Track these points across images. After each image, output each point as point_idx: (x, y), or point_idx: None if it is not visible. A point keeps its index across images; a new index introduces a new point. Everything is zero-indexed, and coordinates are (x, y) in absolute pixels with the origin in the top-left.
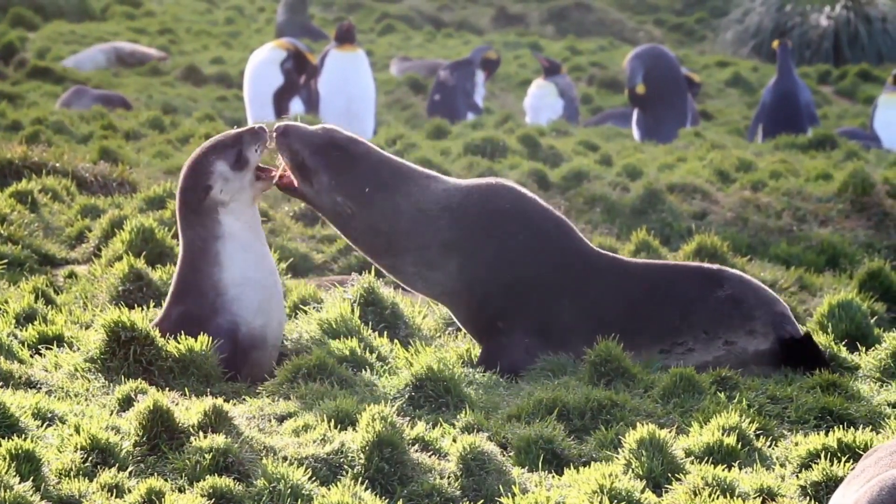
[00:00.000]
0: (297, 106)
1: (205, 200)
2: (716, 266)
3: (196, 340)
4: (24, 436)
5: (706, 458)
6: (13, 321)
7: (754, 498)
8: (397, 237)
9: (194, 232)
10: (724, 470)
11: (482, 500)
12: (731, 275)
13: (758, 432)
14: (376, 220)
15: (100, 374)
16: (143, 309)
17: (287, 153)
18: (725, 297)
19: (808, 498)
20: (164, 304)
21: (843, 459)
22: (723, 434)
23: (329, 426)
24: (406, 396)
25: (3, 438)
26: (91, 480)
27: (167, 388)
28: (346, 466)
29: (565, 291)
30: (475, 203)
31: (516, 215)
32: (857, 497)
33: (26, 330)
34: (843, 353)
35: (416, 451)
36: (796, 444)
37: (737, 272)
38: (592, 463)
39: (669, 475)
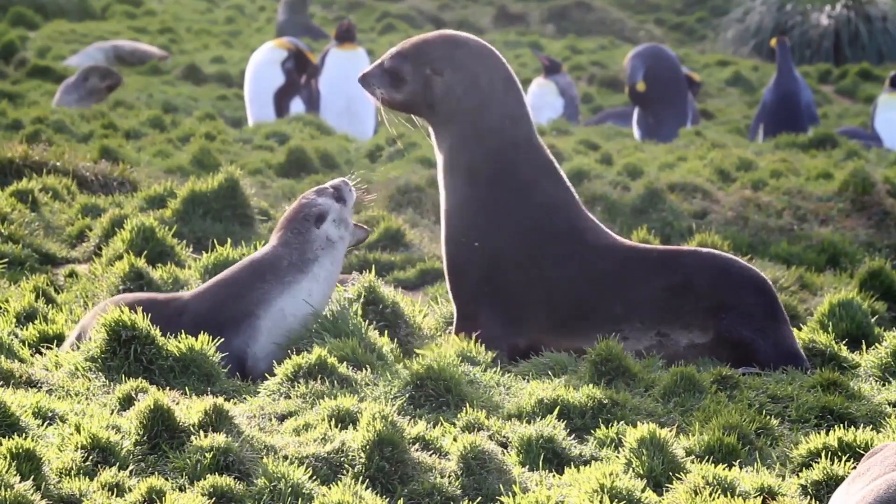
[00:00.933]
0: (297, 105)
1: (317, 227)
2: (688, 249)
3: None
4: (24, 435)
5: (707, 458)
6: (14, 320)
7: (755, 497)
8: (459, 114)
9: (289, 251)
10: (724, 469)
11: (482, 499)
12: (692, 260)
13: (758, 431)
14: (453, 87)
15: (100, 373)
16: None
17: (374, 78)
18: (674, 285)
19: (808, 497)
20: (205, 285)
21: (844, 458)
22: (723, 433)
23: (329, 425)
24: (407, 395)
25: (4, 437)
26: (91, 479)
27: (168, 388)
28: (346, 465)
29: (535, 275)
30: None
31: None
32: (863, 494)
33: (27, 329)
34: (844, 352)
35: (417, 450)
36: (797, 443)
37: (708, 254)
38: (593, 462)
39: (670, 474)
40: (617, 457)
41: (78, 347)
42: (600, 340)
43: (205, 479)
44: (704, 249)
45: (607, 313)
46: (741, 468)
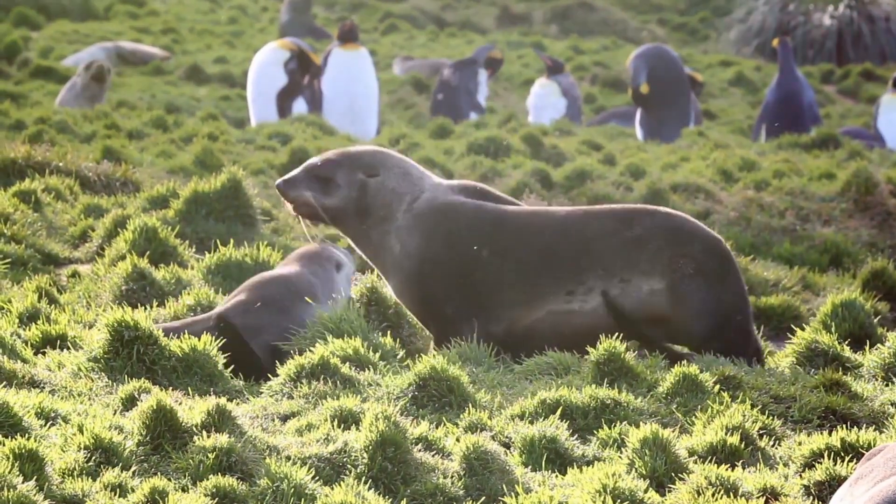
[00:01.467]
0: (300, 106)
1: (337, 272)
2: (638, 206)
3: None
4: (27, 435)
5: (709, 458)
6: (16, 321)
7: (757, 497)
8: (395, 203)
9: (320, 282)
10: (727, 469)
11: (485, 500)
12: (645, 214)
13: (761, 432)
14: (387, 183)
15: (103, 374)
16: (146, 308)
17: (300, 182)
18: (632, 237)
19: (811, 497)
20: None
21: (847, 459)
22: (726, 433)
23: (332, 425)
24: (409, 396)
25: (7, 438)
26: (94, 480)
27: (170, 388)
28: (349, 466)
29: (496, 264)
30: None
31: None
32: (871, 494)
33: (30, 329)
34: (847, 352)
35: (420, 450)
36: (799, 443)
37: (661, 211)
38: (596, 462)
39: (673, 475)
40: (620, 457)
41: None
42: (568, 301)
43: (207, 479)
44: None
45: (574, 266)
46: (744, 468)
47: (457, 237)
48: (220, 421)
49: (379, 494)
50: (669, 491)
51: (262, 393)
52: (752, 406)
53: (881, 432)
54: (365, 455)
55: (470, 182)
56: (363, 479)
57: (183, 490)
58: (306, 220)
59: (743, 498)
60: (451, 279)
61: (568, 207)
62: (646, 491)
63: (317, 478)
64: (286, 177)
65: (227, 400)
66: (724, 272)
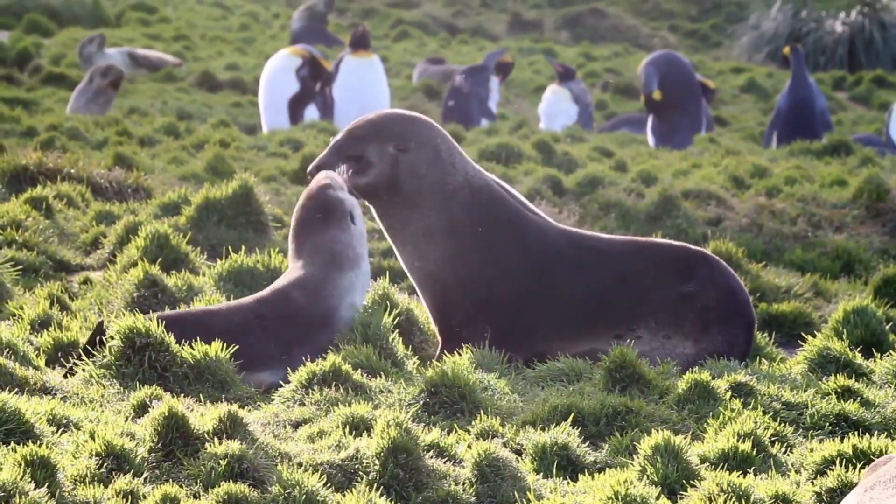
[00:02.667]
0: (311, 112)
1: (353, 224)
2: (700, 253)
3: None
4: (39, 442)
5: (721, 465)
6: (28, 327)
7: None
8: (427, 186)
9: (344, 247)
10: (739, 476)
11: None
12: (705, 272)
13: (773, 438)
14: (418, 163)
15: (115, 381)
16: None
17: (331, 166)
18: (687, 293)
19: None
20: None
21: (859, 466)
22: (738, 440)
23: (344, 432)
24: (421, 402)
25: (19, 444)
26: (106, 487)
27: (182, 395)
28: (361, 473)
29: (537, 296)
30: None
31: (509, 226)
32: None
33: (41, 336)
34: (858, 359)
35: (431, 457)
36: (811, 450)
37: (717, 267)
38: (607, 469)
39: (684, 481)
40: (631, 464)
41: None
42: (614, 344)
43: (219, 486)
44: (711, 258)
45: (627, 312)
46: (756, 475)
47: (499, 252)
48: (231, 428)
49: (391, 501)
50: (681, 498)
51: (273, 400)
52: (764, 413)
53: (893, 439)
54: (377, 462)
55: (496, 178)
56: (375, 485)
57: (194, 497)
58: None
59: None
60: (477, 298)
61: (623, 239)
62: (657, 498)
63: (328, 485)
64: (317, 162)
65: (239, 406)
66: (743, 355)
